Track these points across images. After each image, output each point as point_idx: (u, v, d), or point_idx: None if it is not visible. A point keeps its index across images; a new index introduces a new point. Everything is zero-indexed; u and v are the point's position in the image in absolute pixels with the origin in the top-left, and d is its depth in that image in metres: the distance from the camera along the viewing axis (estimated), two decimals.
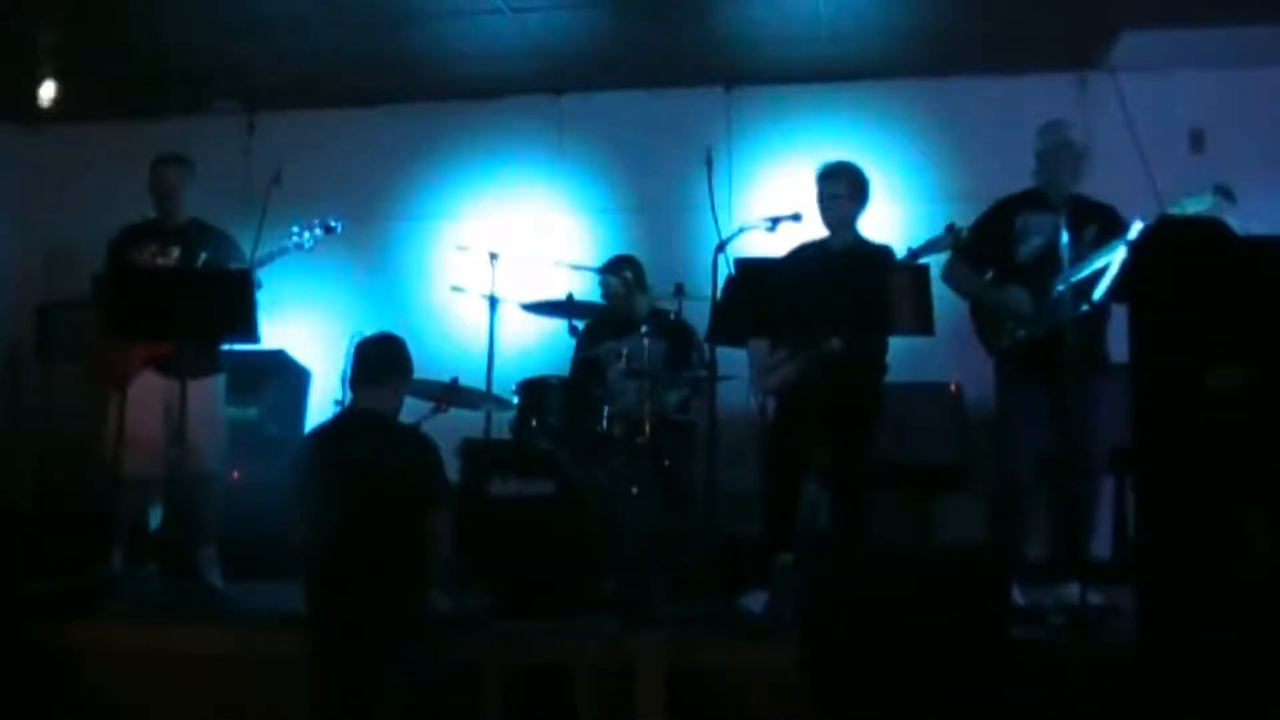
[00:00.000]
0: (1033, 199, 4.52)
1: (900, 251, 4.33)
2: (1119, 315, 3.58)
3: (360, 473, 3.50)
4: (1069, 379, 4.03)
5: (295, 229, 4.89)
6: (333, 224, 4.95)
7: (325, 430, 3.79)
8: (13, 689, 3.99)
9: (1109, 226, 4.25)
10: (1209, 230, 3.42)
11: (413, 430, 3.88)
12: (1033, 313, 4.35)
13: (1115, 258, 4.00)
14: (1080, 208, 4.38)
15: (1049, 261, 4.27)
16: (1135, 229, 4.02)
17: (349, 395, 3.91)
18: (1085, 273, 4.14)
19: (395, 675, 3.38)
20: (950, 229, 4.26)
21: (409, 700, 3.38)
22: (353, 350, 3.79)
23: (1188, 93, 5.88)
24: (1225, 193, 4.07)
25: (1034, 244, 4.42)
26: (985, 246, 4.46)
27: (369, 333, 3.90)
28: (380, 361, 3.73)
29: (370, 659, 3.39)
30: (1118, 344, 3.41)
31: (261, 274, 4.71)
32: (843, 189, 4.60)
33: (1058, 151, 4.44)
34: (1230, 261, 3.29)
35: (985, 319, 4.51)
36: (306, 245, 4.90)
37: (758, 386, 4.70)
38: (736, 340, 4.64)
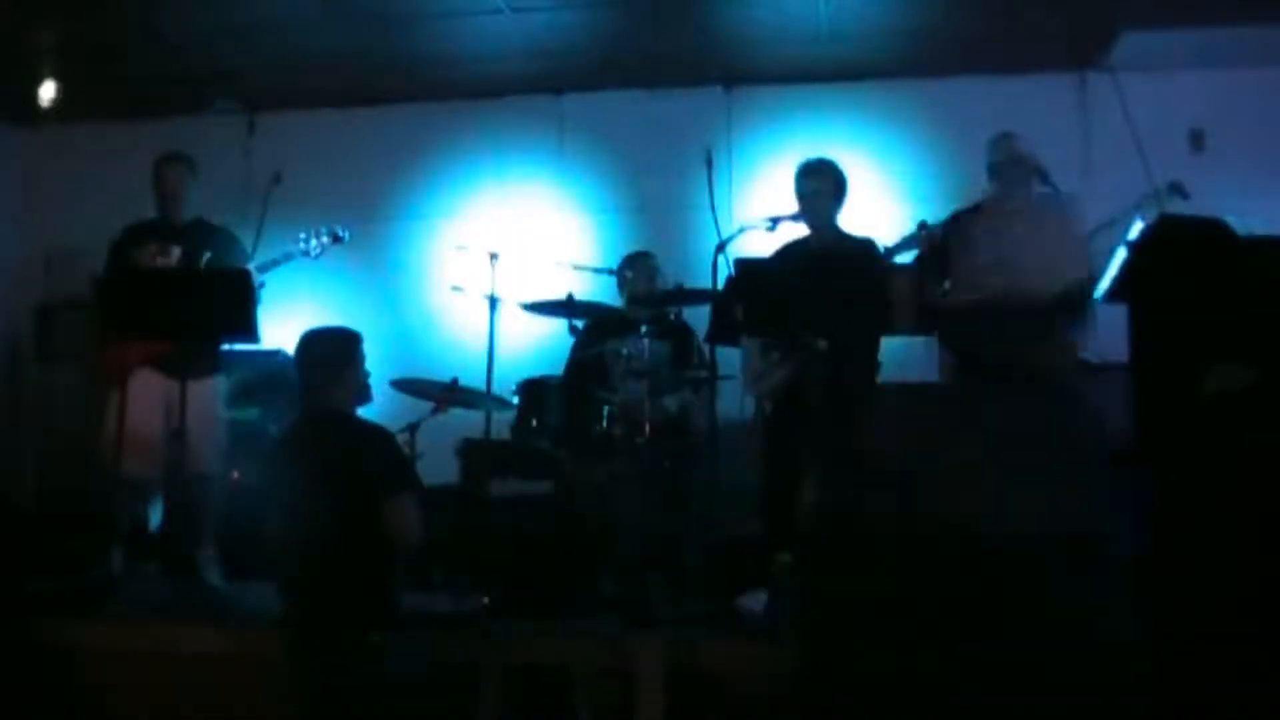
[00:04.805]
0: (986, 209, 4.56)
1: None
2: (1111, 314, 3.60)
3: (314, 471, 3.51)
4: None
5: (302, 236, 4.93)
6: (340, 233, 5.00)
7: (285, 434, 3.80)
8: (13, 689, 3.99)
9: None
10: (1209, 230, 3.42)
11: (364, 421, 3.78)
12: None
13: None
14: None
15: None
16: (1135, 229, 4.04)
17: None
18: None
19: (366, 670, 3.35)
20: (923, 226, 4.34)
21: (389, 697, 3.36)
22: (295, 357, 3.70)
23: (1188, 93, 5.88)
24: (1177, 189, 4.18)
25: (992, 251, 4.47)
26: (944, 259, 4.48)
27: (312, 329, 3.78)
28: (322, 362, 3.66)
29: (338, 655, 3.38)
30: (1116, 344, 3.41)
31: (265, 276, 4.73)
32: (825, 185, 4.62)
33: (1009, 163, 4.50)
34: (1230, 261, 3.29)
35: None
36: (313, 253, 4.95)
37: (750, 388, 4.71)
38: (734, 340, 4.65)
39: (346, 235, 5.03)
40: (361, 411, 3.78)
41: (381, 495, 3.48)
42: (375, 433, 3.66)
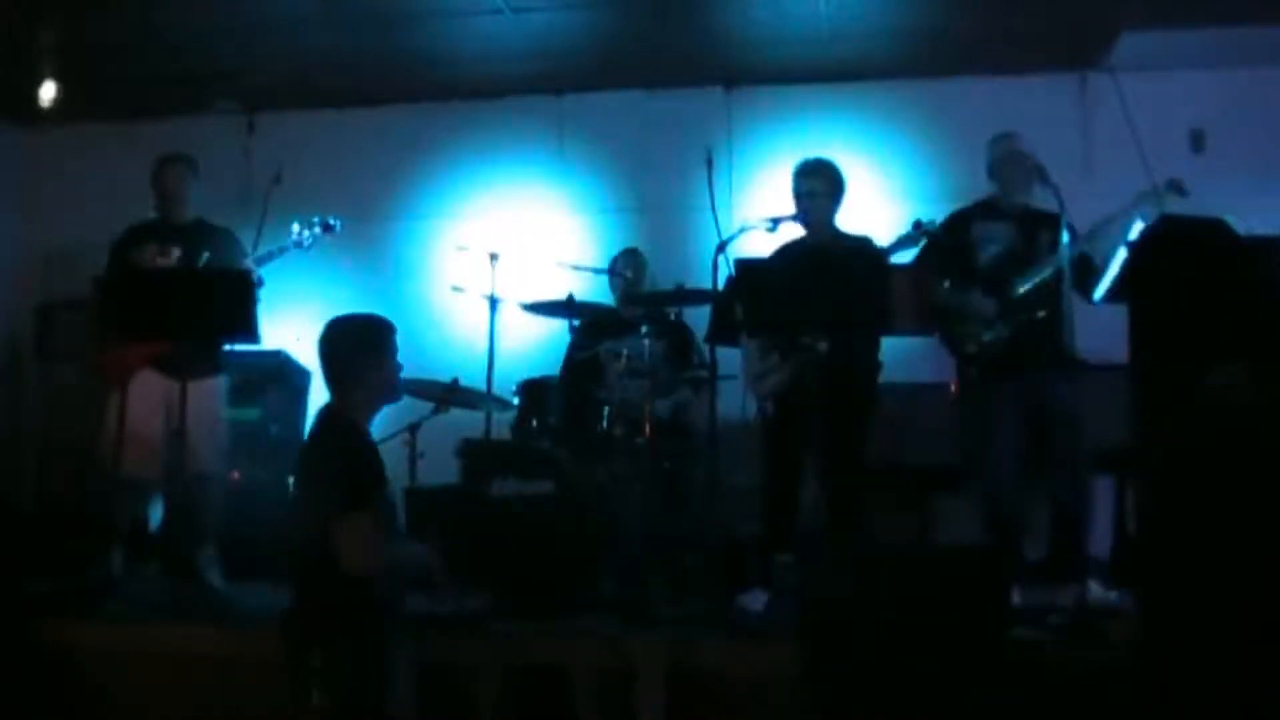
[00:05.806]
0: (986, 209, 4.61)
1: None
2: (1111, 314, 3.59)
3: (301, 476, 3.49)
4: (1040, 377, 4.27)
5: (295, 227, 4.96)
6: (332, 222, 5.02)
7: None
8: (13, 689, 3.99)
9: (1059, 233, 4.29)
10: (1209, 230, 3.42)
11: (348, 431, 3.42)
12: (996, 314, 4.40)
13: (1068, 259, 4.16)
14: (1031, 216, 4.49)
15: (1007, 266, 4.44)
16: (1136, 229, 4.05)
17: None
18: (1043, 275, 4.33)
19: (360, 670, 3.33)
20: (918, 225, 4.37)
21: (385, 698, 3.35)
22: (318, 346, 3.44)
23: (1188, 93, 5.88)
24: (1176, 188, 4.29)
25: (991, 251, 4.51)
26: (944, 258, 4.49)
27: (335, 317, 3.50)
28: (340, 356, 3.41)
29: (311, 659, 3.31)
30: (1117, 344, 3.41)
31: (262, 272, 4.73)
32: (821, 185, 4.62)
33: (1009, 163, 4.52)
34: (1230, 261, 3.29)
35: (950, 325, 4.53)
36: (306, 243, 4.97)
37: (751, 389, 4.71)
38: (735, 340, 4.65)
39: (338, 225, 5.05)
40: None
41: (332, 513, 3.23)
42: (351, 445, 3.38)
